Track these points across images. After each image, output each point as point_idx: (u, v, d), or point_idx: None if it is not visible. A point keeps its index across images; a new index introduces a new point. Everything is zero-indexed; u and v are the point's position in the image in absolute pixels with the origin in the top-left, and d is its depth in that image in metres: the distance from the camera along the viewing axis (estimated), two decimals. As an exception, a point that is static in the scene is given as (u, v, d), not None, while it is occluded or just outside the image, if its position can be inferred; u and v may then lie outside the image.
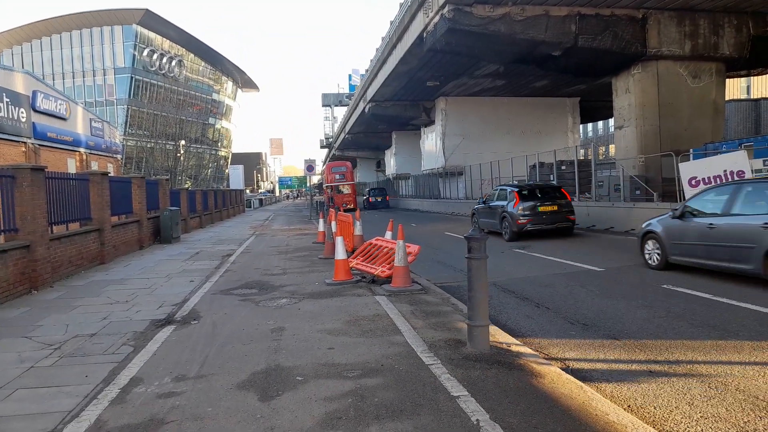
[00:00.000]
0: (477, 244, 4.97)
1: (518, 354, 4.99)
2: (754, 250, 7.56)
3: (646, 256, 9.98)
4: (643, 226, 10.31)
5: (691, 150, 17.20)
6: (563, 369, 4.73)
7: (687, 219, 9.10)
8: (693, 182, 13.98)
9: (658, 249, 9.67)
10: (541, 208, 15.31)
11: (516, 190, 16.03)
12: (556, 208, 15.46)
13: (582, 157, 30.91)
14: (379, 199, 46.90)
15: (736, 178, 13.02)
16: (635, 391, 4.31)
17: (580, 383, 4.28)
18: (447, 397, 4.02)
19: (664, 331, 5.85)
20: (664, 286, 8.12)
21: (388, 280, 8.37)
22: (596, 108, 40.77)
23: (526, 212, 15.26)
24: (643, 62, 20.48)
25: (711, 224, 8.44)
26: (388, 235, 10.94)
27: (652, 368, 4.80)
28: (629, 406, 4.03)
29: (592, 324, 6.32)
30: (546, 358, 5.07)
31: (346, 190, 38.11)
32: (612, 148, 52.94)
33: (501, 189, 17.18)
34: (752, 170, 13.11)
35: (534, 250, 13.08)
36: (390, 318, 6.46)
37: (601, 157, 50.67)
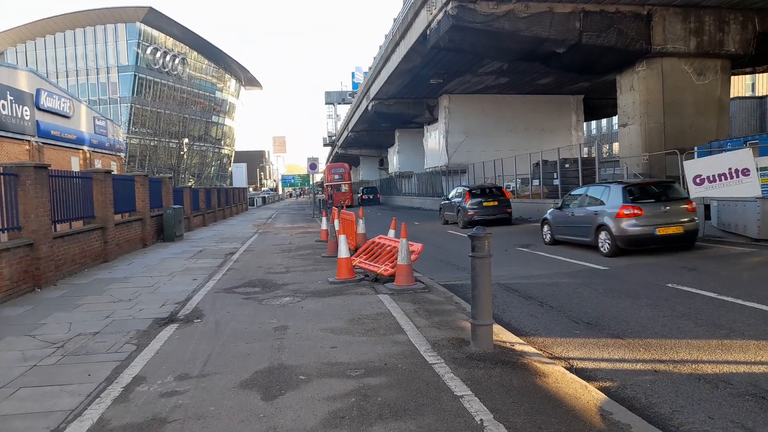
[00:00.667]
0: (481, 243, 4.94)
1: (522, 353, 4.96)
2: (590, 228, 11.84)
3: (544, 237, 13.96)
4: (544, 216, 14.16)
5: (695, 148, 17.12)
6: (567, 368, 4.70)
7: (563, 209, 13.19)
8: (697, 180, 13.90)
9: (549, 231, 13.67)
10: (485, 203, 20.06)
11: (468, 189, 20.81)
12: (496, 203, 20.26)
13: (586, 155, 30.83)
14: (371, 197, 55.60)
15: (741, 176, 12.94)
16: (640, 391, 4.28)
17: (584, 383, 4.25)
18: (450, 397, 4.00)
19: (668, 331, 5.81)
20: (669, 285, 8.08)
21: (391, 278, 8.35)
22: (600, 106, 40.62)
23: (474, 206, 19.98)
24: (647, 59, 20.37)
25: (572, 212, 12.78)
26: (391, 233, 10.92)
27: (657, 367, 4.77)
28: (634, 406, 3.99)
29: (596, 323, 6.29)
30: (550, 358, 5.04)
31: (344, 188, 40.50)
32: (616, 145, 52.78)
33: (458, 189, 21.80)
34: (757, 168, 13.01)
35: (538, 249, 13.04)
36: (393, 317, 6.44)
37: (604, 155, 50.57)
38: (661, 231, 10.99)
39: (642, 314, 6.55)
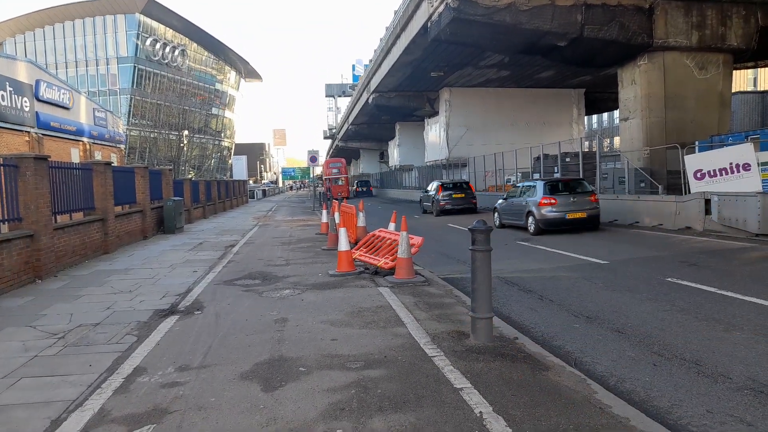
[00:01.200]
0: (481, 236, 4.94)
1: (522, 346, 4.98)
2: (522, 214, 15.32)
3: (494, 222, 17.24)
4: (495, 205, 17.78)
5: (696, 142, 17.09)
6: (567, 362, 4.72)
7: (507, 200, 16.74)
8: (698, 175, 13.91)
9: (498, 217, 17.29)
10: (454, 195, 23.89)
11: (440, 184, 24.66)
12: (463, 195, 24.05)
13: (587, 149, 30.75)
14: (365, 189, 60.52)
15: (742, 171, 12.95)
16: (639, 384, 4.29)
17: (583, 376, 4.27)
18: (450, 389, 4.01)
19: (668, 325, 5.83)
20: (669, 279, 8.09)
21: (392, 271, 8.36)
22: (601, 99, 40.53)
23: (445, 197, 23.82)
24: (649, 53, 20.29)
25: (512, 202, 16.28)
26: (392, 226, 10.92)
27: (656, 361, 4.78)
28: (633, 400, 4.01)
29: (595, 317, 6.30)
30: (549, 351, 5.05)
31: (341, 181, 42.89)
32: (617, 140, 52.68)
33: (433, 184, 25.41)
34: (758, 163, 13.01)
35: (538, 243, 13.06)
36: (393, 309, 6.46)
37: (605, 149, 50.47)
38: (570, 216, 14.40)
39: (641, 308, 6.56)
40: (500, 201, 17.33)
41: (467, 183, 25.61)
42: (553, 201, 14.46)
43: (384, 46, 33.68)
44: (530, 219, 14.87)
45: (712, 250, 10.84)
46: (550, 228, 14.43)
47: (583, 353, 5.10)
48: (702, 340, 5.29)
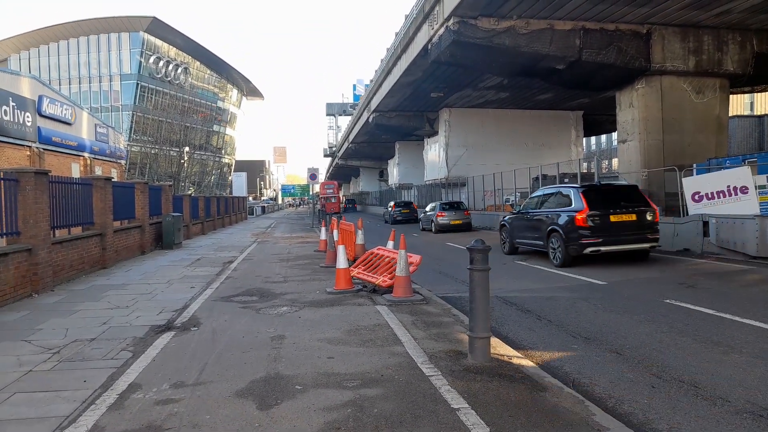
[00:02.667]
0: (479, 256, 4.95)
1: (519, 366, 4.95)
2: (428, 222, 26.47)
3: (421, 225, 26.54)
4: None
5: (694, 165, 17.19)
6: (565, 383, 4.69)
7: (425, 214, 26.41)
8: (696, 197, 13.97)
9: (423, 223, 26.56)
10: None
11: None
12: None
13: (585, 170, 30.92)
14: (350, 206, 73.52)
15: (739, 194, 13.01)
16: (637, 406, 4.26)
17: (581, 397, 4.24)
18: (447, 409, 3.98)
19: (666, 346, 5.80)
20: (667, 300, 8.08)
21: (390, 289, 8.34)
22: (600, 122, 40.85)
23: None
24: (647, 77, 20.53)
25: (425, 213, 26.52)
26: (390, 244, 10.92)
27: (655, 383, 4.75)
28: (631, 422, 3.98)
29: (594, 338, 6.28)
30: (548, 372, 5.02)
31: (333, 200, 46.69)
32: (615, 161, 52.91)
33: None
34: (756, 186, 13.08)
35: (535, 262, 13.05)
36: (391, 328, 6.43)
37: (604, 171, 50.71)
38: (453, 222, 24.91)
39: (640, 330, 6.54)
40: (428, 213, 25.59)
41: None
42: (444, 213, 25.39)
43: (385, 66, 34.04)
44: (432, 225, 25.53)
45: (710, 272, 10.84)
46: (441, 231, 24.25)
47: (581, 374, 5.07)
48: (700, 362, 5.27)
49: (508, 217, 15.42)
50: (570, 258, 11.58)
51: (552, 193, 13.30)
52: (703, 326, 6.57)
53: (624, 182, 14.17)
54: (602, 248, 11.38)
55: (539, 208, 13.44)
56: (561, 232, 11.74)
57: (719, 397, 4.39)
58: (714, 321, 6.82)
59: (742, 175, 13.30)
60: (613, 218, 11.37)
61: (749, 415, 4.04)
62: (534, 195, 14.63)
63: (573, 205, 11.89)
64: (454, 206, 26.69)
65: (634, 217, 11.46)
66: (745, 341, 5.89)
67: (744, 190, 12.99)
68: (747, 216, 12.25)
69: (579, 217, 11.34)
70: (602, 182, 15.47)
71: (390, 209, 29.08)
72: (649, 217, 11.68)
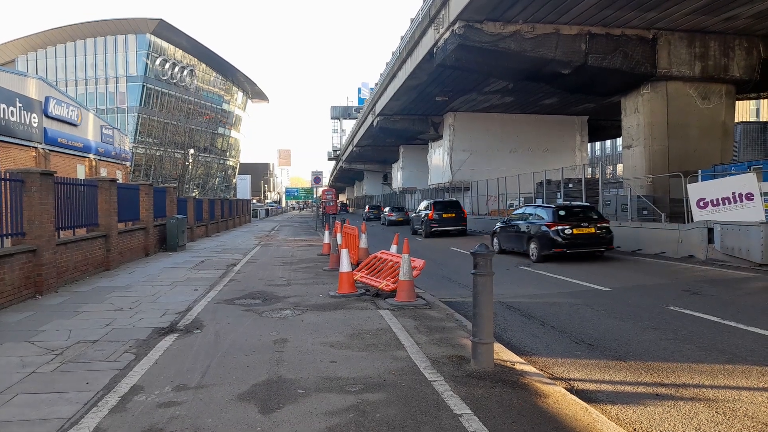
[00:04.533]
0: (483, 261, 4.93)
1: (523, 373, 4.93)
2: (421, 223, 25.37)
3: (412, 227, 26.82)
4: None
5: (699, 171, 17.14)
6: (568, 389, 4.67)
7: (417, 215, 25.81)
8: (701, 204, 13.91)
9: (415, 225, 26.40)
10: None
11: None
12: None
13: (589, 176, 30.86)
14: (344, 209, 77.68)
15: (745, 201, 12.95)
16: (641, 414, 4.24)
17: (585, 404, 4.21)
18: (450, 415, 3.96)
19: (671, 354, 5.77)
20: (671, 308, 8.03)
21: (393, 294, 8.33)
22: (604, 127, 40.78)
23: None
24: (652, 82, 20.50)
25: (417, 214, 26.06)
26: (393, 248, 10.91)
27: (658, 391, 4.72)
28: (635, 430, 3.96)
29: (597, 344, 6.25)
30: (551, 378, 5.00)
31: (331, 203, 47.32)
32: (620, 167, 52.76)
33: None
34: (761, 193, 13.02)
35: (539, 268, 13.01)
36: (393, 332, 6.42)
37: (608, 176, 50.58)
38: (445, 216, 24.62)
39: (644, 337, 6.50)
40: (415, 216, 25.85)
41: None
42: (435, 215, 24.43)
43: (390, 70, 34.10)
44: (423, 226, 25.21)
45: (715, 279, 10.78)
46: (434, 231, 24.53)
47: (585, 381, 5.04)
48: (705, 370, 5.23)
49: (498, 226, 17.58)
50: (543, 258, 14.35)
51: (531, 213, 16.00)
52: (708, 334, 6.53)
53: (584, 203, 17.42)
54: (567, 251, 14.03)
55: (522, 221, 16.03)
56: (538, 239, 14.59)
57: (724, 405, 4.35)
58: (719, 329, 6.78)
59: (747, 181, 13.24)
60: (575, 231, 14.14)
61: (755, 423, 4.00)
62: (516, 212, 17.50)
63: (545, 220, 14.63)
64: (448, 204, 25.89)
65: (592, 230, 14.28)
66: (750, 350, 5.85)
67: (749, 196, 12.93)
68: (752, 223, 12.20)
69: (551, 229, 14.21)
70: (572, 202, 18.46)
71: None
72: (602, 229, 14.42)
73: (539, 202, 24.27)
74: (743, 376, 5.03)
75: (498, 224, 17.69)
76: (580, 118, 38.48)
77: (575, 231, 14.17)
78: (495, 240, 17.41)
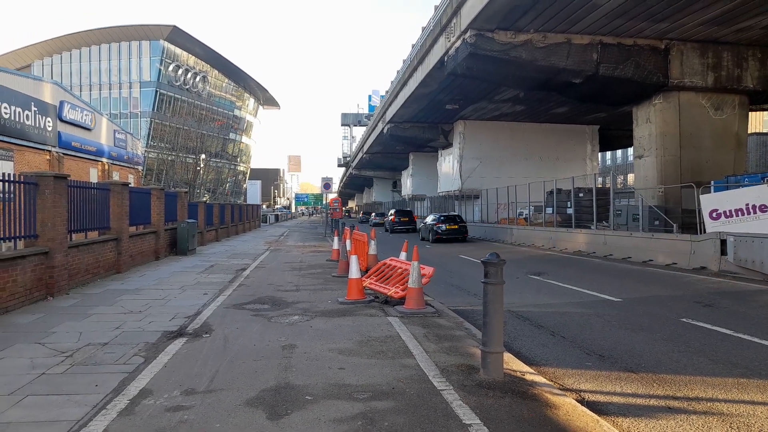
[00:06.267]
0: (494, 269, 4.90)
1: (533, 383, 4.88)
2: (429, 232, 28.15)
3: (421, 235, 30.01)
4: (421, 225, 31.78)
5: (712, 182, 16.98)
6: (578, 401, 4.61)
7: (425, 224, 29.60)
8: (714, 215, 13.77)
9: (423, 233, 29.86)
10: (402, 219, 37.56)
11: (394, 212, 39.15)
12: (406, 219, 37.59)
13: (600, 185, 30.67)
14: (347, 215, 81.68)
15: (758, 213, 12.81)
16: (653, 428, 4.18)
17: (596, 416, 4.16)
18: (459, 425, 3.93)
19: (683, 367, 5.69)
20: (683, 319, 7.94)
21: (402, 301, 8.30)
22: (615, 137, 40.57)
23: (397, 222, 37.19)
24: (664, 92, 20.39)
25: (425, 224, 29.56)
26: (403, 255, 10.89)
27: (670, 404, 4.66)
28: (647, 443, 3.90)
29: (608, 355, 6.18)
30: (561, 389, 4.95)
31: (338, 210, 47.70)
32: (630, 177, 52.43)
33: (432, 216, 30.96)
34: (775, 205, 12.86)
35: (549, 278, 12.93)
36: (402, 340, 6.39)
37: (619, 186, 50.27)
38: (448, 228, 27.51)
39: (656, 348, 6.43)
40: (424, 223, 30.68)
41: (411, 212, 39.54)
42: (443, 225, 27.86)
43: (400, 78, 34.20)
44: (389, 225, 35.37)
45: (727, 291, 10.65)
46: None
47: (595, 393, 4.98)
48: (718, 384, 5.15)
49: (420, 225, 32.11)
50: (433, 241, 26.78)
51: (431, 218, 29.21)
52: (721, 347, 6.44)
53: (454, 213, 31.83)
54: (444, 237, 26.72)
55: (431, 222, 28.41)
56: (432, 231, 27.36)
57: (737, 419, 4.28)
58: (732, 342, 6.68)
59: (761, 193, 13.09)
60: (447, 227, 27.04)
61: (769, 440, 3.93)
62: (428, 219, 30.11)
63: (434, 221, 27.84)
64: (451, 218, 28.57)
65: (456, 227, 27.20)
66: (764, 363, 5.76)
67: (763, 208, 12.79)
68: (766, 235, 12.05)
69: (437, 227, 27.17)
70: (448, 213, 31.62)
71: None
72: (461, 226, 27.52)
73: (548, 211, 24.34)
74: (758, 391, 4.94)
75: (420, 224, 32.41)
76: (591, 127, 38.31)
77: (447, 227, 27.01)
78: (420, 233, 30.83)
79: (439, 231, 26.89)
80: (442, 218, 27.96)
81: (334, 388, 4.72)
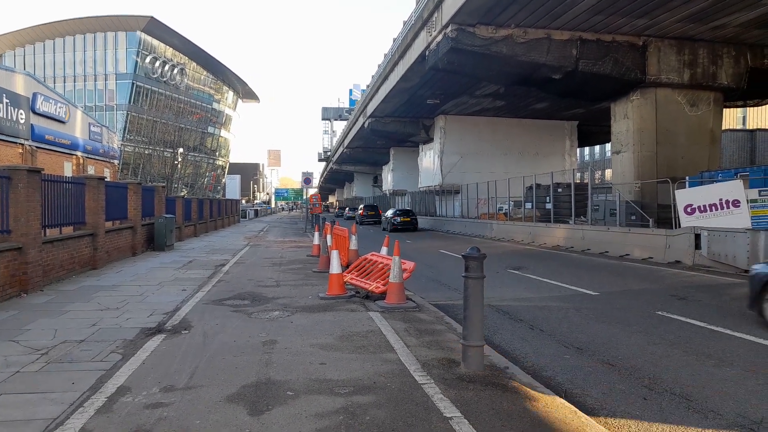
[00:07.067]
0: (475, 264, 4.94)
1: (512, 376, 4.94)
2: (388, 223, 34.00)
3: (383, 226, 36.00)
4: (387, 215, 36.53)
5: (687, 178, 17.32)
6: (557, 393, 4.68)
7: (386, 217, 35.65)
8: (689, 210, 14.05)
9: (384, 224, 35.84)
10: (369, 213, 45.29)
11: (363, 207, 48.23)
12: (373, 213, 45.09)
13: (578, 180, 31.09)
14: (325, 209, 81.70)
15: (731, 207, 13.11)
16: (630, 418, 4.26)
17: (574, 408, 4.23)
18: (440, 418, 3.96)
19: (658, 358, 5.81)
20: (659, 312, 8.10)
21: (383, 296, 8.32)
22: (593, 132, 41.14)
23: (366, 215, 45.09)
24: (642, 89, 20.71)
25: (386, 217, 35.61)
26: (384, 250, 10.90)
27: (647, 395, 4.75)
28: (623, 434, 3.97)
29: (586, 348, 6.28)
30: (540, 382, 5.01)
31: (317, 205, 47.91)
32: (608, 172, 53.18)
33: (391, 210, 37.15)
34: (747, 200, 13.18)
35: (528, 272, 13.07)
36: (383, 335, 6.40)
37: (597, 181, 50.98)
38: (403, 220, 33.75)
39: (631, 341, 6.55)
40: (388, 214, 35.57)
41: (376, 206, 47.16)
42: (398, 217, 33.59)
43: (382, 72, 34.13)
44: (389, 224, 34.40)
45: (701, 284, 10.89)
46: (393, 228, 32.72)
47: (574, 384, 5.06)
48: (692, 374, 5.28)
49: (383, 217, 37.09)
50: (391, 230, 31.53)
51: (394, 211, 35.53)
52: (695, 339, 6.59)
53: (407, 208, 38.38)
54: (399, 227, 32.34)
55: (390, 215, 34.52)
56: (390, 222, 33.09)
57: (711, 410, 4.40)
58: (706, 334, 6.84)
59: (734, 188, 13.41)
60: (401, 219, 33.41)
61: (740, 428, 4.04)
62: (389, 210, 37.09)
63: (393, 215, 34.05)
64: (405, 212, 35.44)
65: (408, 219, 33.53)
66: (736, 354, 5.91)
67: (736, 203, 13.10)
68: (738, 229, 12.35)
69: (393, 219, 33.33)
70: (402, 208, 40.04)
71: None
72: (413, 219, 33.83)
73: (528, 206, 24.60)
74: (730, 381, 5.07)
75: (383, 216, 37.27)
76: (570, 123, 38.77)
77: (402, 219, 33.07)
78: (382, 224, 35.87)
79: (395, 222, 33.10)
80: (398, 212, 35.14)
81: (315, 383, 4.71)
